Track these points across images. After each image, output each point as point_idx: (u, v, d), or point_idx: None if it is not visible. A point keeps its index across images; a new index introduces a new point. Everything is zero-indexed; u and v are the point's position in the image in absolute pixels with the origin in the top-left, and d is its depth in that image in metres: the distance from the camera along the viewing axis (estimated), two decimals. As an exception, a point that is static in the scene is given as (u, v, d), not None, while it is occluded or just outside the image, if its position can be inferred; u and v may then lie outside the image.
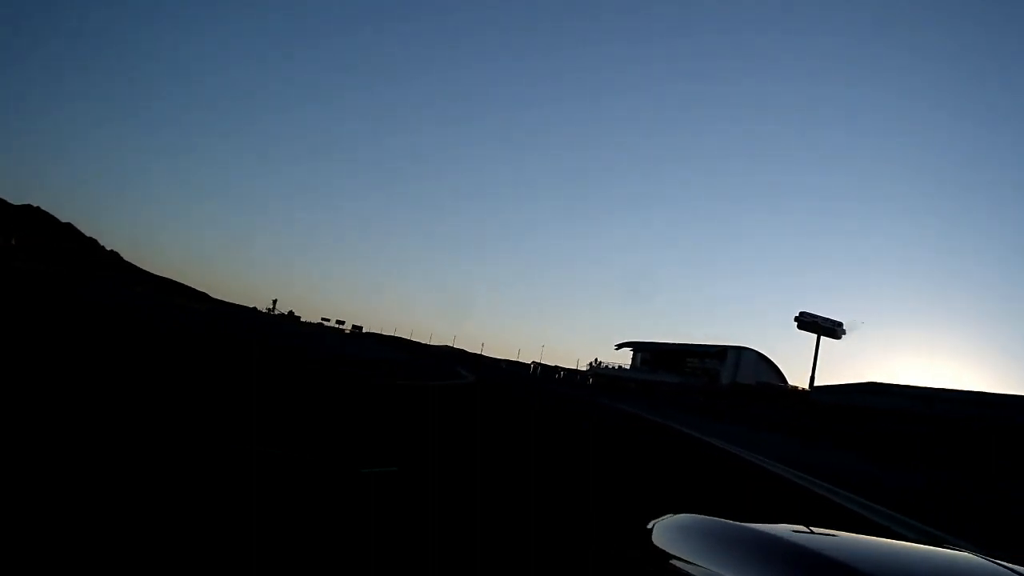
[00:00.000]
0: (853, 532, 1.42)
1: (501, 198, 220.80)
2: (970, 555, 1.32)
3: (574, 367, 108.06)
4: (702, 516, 1.40)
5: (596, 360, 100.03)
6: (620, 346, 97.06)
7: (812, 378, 68.77)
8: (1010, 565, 1.21)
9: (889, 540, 1.48)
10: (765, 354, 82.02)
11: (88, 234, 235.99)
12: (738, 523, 1.32)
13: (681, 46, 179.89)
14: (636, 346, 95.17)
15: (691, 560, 1.14)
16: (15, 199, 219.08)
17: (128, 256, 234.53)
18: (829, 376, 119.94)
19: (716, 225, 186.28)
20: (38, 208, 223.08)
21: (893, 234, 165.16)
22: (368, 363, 25.45)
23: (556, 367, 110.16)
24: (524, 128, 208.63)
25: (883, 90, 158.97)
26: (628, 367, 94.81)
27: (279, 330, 50.26)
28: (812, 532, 1.36)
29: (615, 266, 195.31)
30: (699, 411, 39.29)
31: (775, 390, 68.85)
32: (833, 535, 1.38)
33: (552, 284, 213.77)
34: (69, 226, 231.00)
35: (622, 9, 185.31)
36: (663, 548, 1.23)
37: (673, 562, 1.15)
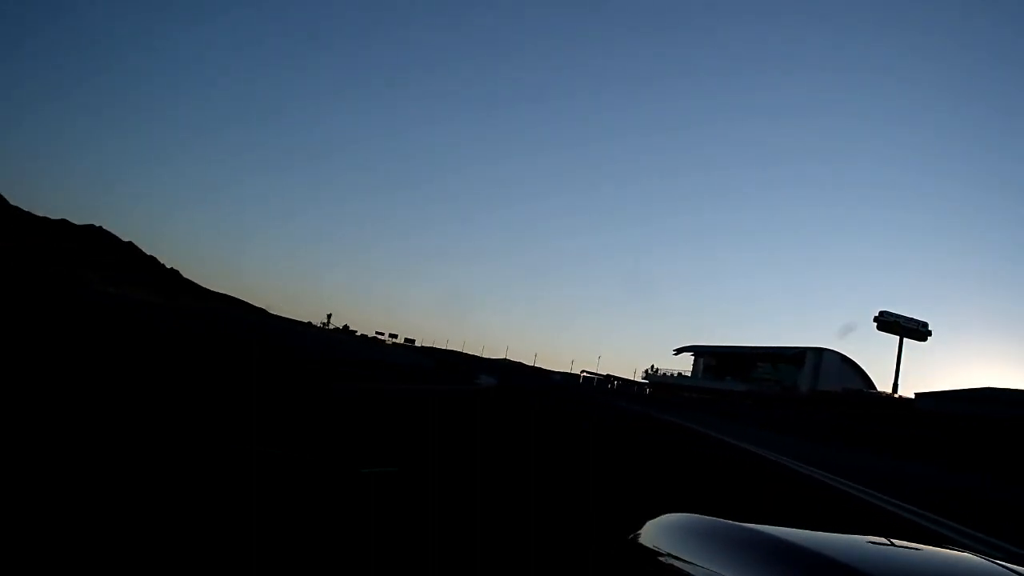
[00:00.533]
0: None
1: (552, 209, 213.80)
2: (970, 555, 1.30)
3: (630, 376, 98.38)
4: (700, 516, 1.37)
5: (652, 367, 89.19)
6: (679, 351, 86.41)
7: (895, 384, 61.33)
8: (1010, 566, 1.19)
9: (888, 540, 1.40)
10: (850, 357, 70.76)
11: (149, 252, 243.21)
12: (736, 523, 1.30)
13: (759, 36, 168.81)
14: (697, 351, 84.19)
15: (689, 560, 1.13)
16: (79, 219, 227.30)
17: (188, 274, 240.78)
18: (913, 382, 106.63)
19: (779, 222, 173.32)
20: (100, 228, 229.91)
21: (974, 231, 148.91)
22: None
23: (609, 376, 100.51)
24: (570, 134, 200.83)
25: (967, 86, 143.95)
26: (688, 374, 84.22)
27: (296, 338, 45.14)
28: (811, 532, 1.33)
29: (668, 269, 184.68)
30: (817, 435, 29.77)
31: (868, 398, 57.83)
32: (832, 535, 1.37)
33: (604, 291, 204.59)
34: (131, 244, 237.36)
35: (636, 7, 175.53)
36: (661, 547, 1.21)
37: (671, 561, 1.13)
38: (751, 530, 1.25)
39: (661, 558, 1.16)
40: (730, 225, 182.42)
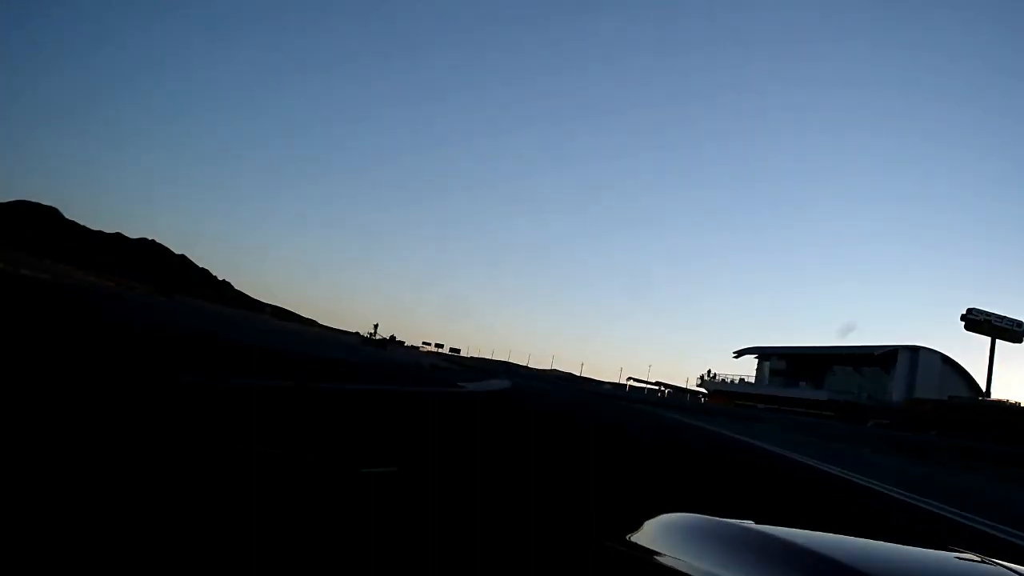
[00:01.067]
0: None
1: (598, 218, 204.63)
2: (971, 557, 1.29)
3: (683, 384, 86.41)
4: (698, 515, 1.36)
5: (709, 372, 76.72)
6: (740, 353, 74.15)
7: (988, 390, 52.38)
8: (1011, 566, 1.19)
9: (888, 542, 1.41)
10: (950, 356, 57.57)
11: (201, 265, 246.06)
12: (736, 522, 1.29)
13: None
14: (762, 352, 71.59)
15: (688, 559, 1.10)
16: (133, 234, 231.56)
17: (239, 286, 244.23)
18: (1007, 388, 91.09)
19: (848, 214, 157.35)
20: (153, 241, 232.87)
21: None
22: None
23: (658, 384, 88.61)
24: (621, 141, 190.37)
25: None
26: (752, 379, 72.09)
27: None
28: (811, 532, 1.34)
29: (724, 264, 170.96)
30: None
31: (992, 408, 45.15)
32: (833, 536, 1.38)
33: (653, 297, 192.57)
34: (183, 257, 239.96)
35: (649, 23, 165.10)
36: (660, 547, 1.19)
37: (670, 561, 1.11)
38: (751, 530, 1.23)
39: (660, 558, 1.12)
40: (787, 220, 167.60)
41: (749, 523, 1.28)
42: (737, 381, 71.86)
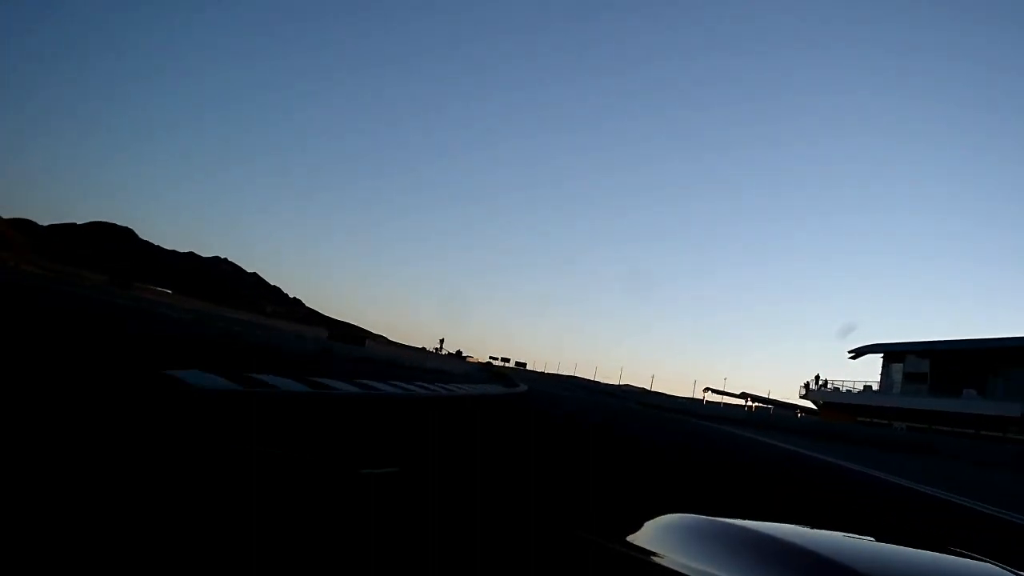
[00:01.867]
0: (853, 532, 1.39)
1: (662, 221, 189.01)
2: (970, 558, 1.29)
3: (777, 397, 68.47)
4: (699, 516, 1.36)
5: (817, 379, 58.55)
6: (858, 352, 55.55)
7: None
8: (1012, 568, 1.18)
9: (889, 541, 1.42)
10: None
11: (272, 283, 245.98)
12: (736, 522, 1.28)
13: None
14: (889, 350, 52.27)
15: (689, 560, 1.08)
16: (206, 252, 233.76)
17: (310, 303, 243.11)
18: None
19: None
20: (226, 259, 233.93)
21: None
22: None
23: (744, 395, 70.91)
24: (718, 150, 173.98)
25: None
26: (876, 387, 53.75)
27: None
28: (812, 531, 1.34)
29: (814, 258, 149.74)
30: None
31: None
32: (833, 535, 1.37)
33: (732, 298, 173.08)
34: (255, 275, 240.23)
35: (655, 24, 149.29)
36: (661, 547, 1.17)
37: (670, 562, 1.09)
38: (751, 530, 1.23)
39: (660, 558, 1.10)
40: (877, 206, 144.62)
41: (749, 523, 1.26)
42: (859, 389, 53.41)
